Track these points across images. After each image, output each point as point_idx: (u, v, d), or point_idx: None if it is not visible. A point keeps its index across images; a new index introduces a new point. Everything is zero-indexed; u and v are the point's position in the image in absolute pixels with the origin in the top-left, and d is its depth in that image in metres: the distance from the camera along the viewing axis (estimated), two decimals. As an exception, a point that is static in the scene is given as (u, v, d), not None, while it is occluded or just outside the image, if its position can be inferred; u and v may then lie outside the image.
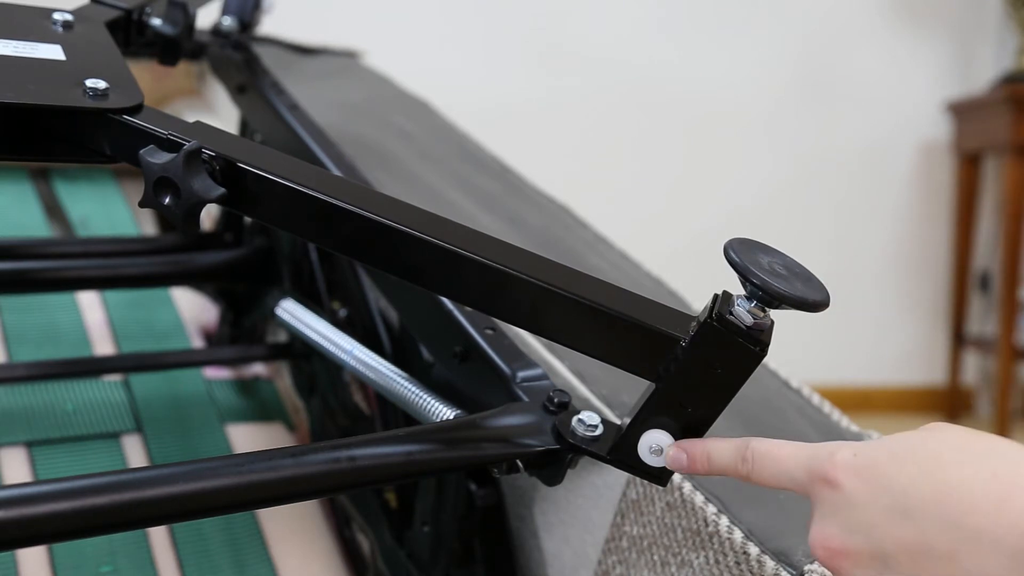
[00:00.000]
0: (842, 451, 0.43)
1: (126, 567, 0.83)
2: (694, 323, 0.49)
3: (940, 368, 2.71)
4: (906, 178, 2.68)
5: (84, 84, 0.56)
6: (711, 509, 0.59)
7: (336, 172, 0.81)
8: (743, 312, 0.47)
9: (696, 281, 1.00)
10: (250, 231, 1.03)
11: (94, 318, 1.07)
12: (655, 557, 0.63)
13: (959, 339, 2.66)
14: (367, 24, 2.15)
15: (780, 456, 0.46)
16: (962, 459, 0.41)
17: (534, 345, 0.76)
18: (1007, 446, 0.41)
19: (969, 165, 2.62)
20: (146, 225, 1.26)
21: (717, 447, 0.49)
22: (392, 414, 0.81)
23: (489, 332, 0.68)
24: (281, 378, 1.09)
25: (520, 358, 0.66)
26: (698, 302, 0.65)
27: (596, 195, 1.94)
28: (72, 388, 0.96)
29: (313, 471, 0.50)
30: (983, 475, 0.40)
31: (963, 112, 2.60)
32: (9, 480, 0.87)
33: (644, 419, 0.52)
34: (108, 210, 1.22)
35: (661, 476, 0.53)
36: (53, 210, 1.22)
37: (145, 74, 1.16)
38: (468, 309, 0.69)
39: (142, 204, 0.53)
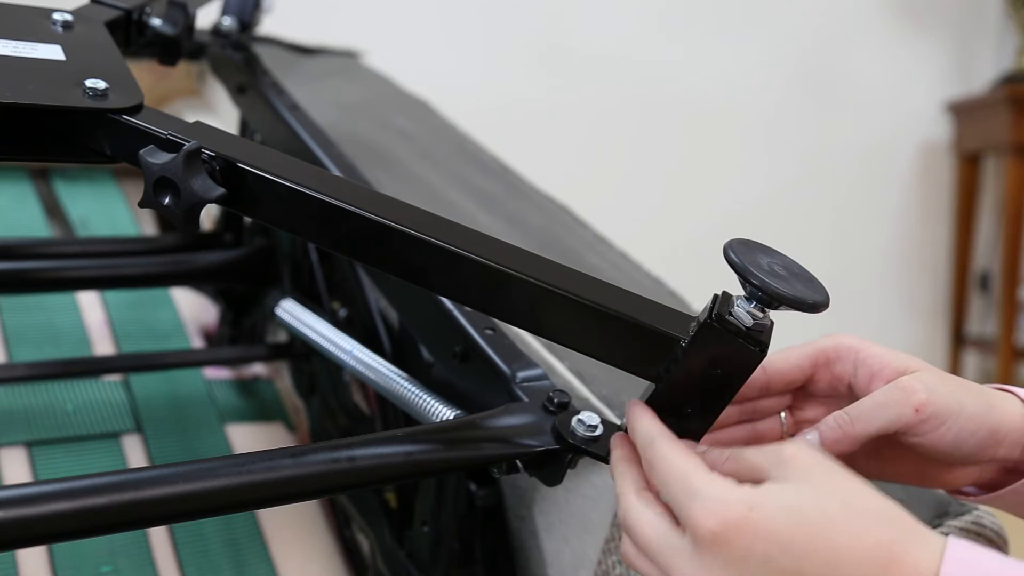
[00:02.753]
0: (731, 507, 0.42)
1: (126, 567, 0.83)
2: (694, 323, 0.49)
3: (940, 368, 2.71)
4: (906, 178, 2.68)
5: (84, 84, 0.56)
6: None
7: (336, 172, 0.81)
8: (743, 313, 0.47)
9: (696, 281, 1.00)
10: (250, 231, 1.03)
11: (94, 318, 1.07)
12: (655, 557, 0.63)
13: (959, 339, 2.66)
14: (367, 24, 2.15)
15: (667, 470, 0.46)
16: (851, 522, 0.41)
17: (534, 345, 0.76)
18: (882, 503, 0.42)
19: (969, 165, 2.62)
20: (146, 225, 1.26)
21: (642, 422, 0.49)
22: (392, 414, 0.81)
23: (489, 332, 0.68)
24: (281, 378, 1.09)
25: (520, 358, 0.66)
26: (698, 302, 0.65)
27: (596, 195, 1.93)
28: (72, 388, 0.96)
29: (313, 471, 0.50)
30: (869, 543, 0.41)
31: (963, 112, 2.60)
32: (9, 480, 0.87)
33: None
34: (108, 210, 1.22)
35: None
36: (53, 210, 1.22)
37: (145, 74, 1.16)
38: (468, 309, 0.69)
39: (142, 204, 0.52)
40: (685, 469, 0.45)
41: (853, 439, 0.51)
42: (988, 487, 0.55)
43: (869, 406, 0.51)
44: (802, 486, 0.43)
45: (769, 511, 0.42)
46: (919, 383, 0.51)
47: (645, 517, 0.46)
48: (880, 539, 0.41)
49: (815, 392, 0.56)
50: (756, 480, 0.44)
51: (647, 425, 0.49)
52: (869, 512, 0.42)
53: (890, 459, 0.55)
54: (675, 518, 0.45)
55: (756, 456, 0.45)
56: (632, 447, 0.50)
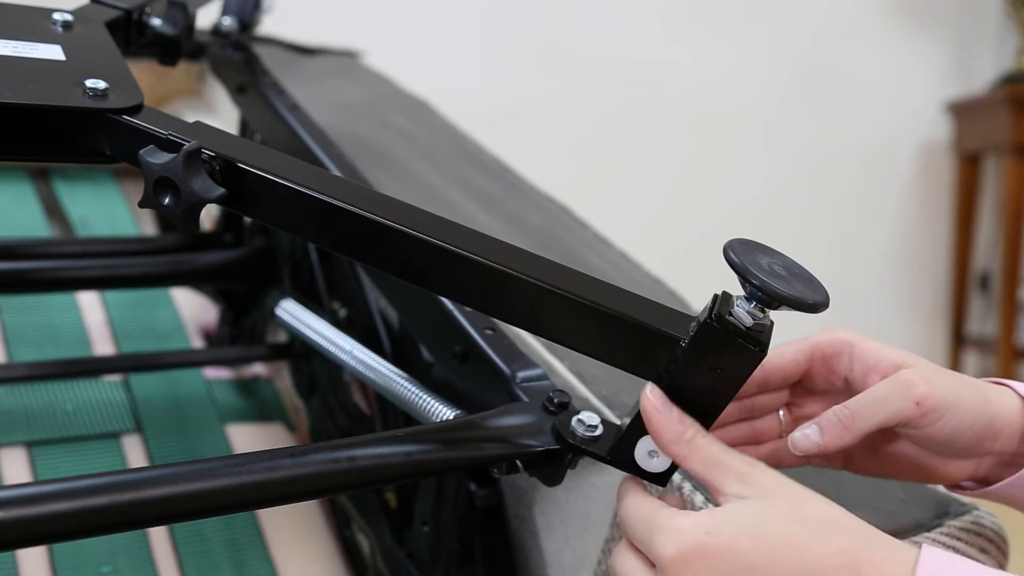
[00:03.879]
0: (687, 533, 0.44)
1: (126, 567, 0.83)
2: (694, 323, 0.49)
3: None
4: (906, 178, 2.68)
5: (84, 84, 0.56)
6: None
7: (336, 172, 0.81)
8: (743, 313, 0.47)
9: (696, 281, 1.00)
10: (250, 231, 1.03)
11: (94, 318, 1.07)
12: (655, 557, 0.63)
13: (959, 339, 2.66)
14: (367, 24, 2.15)
15: (630, 510, 0.48)
16: (810, 535, 0.43)
17: (534, 345, 0.76)
18: (839, 513, 0.44)
19: (969, 165, 2.62)
20: (146, 225, 1.26)
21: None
22: (392, 414, 0.81)
23: (489, 332, 0.68)
24: (281, 378, 1.09)
25: (520, 358, 0.66)
26: (698, 302, 0.65)
27: (596, 195, 1.93)
28: (72, 388, 0.96)
29: (313, 471, 0.50)
30: (831, 551, 0.42)
31: (963, 112, 2.60)
32: (9, 480, 0.87)
33: (644, 420, 0.52)
34: (108, 210, 1.22)
35: (661, 477, 0.53)
36: (53, 210, 1.22)
37: (145, 74, 1.16)
38: (468, 309, 0.69)
39: (142, 204, 0.52)
40: (647, 511, 0.47)
41: (854, 433, 0.52)
42: (984, 481, 0.55)
43: (870, 400, 0.51)
44: (758, 506, 0.44)
45: (726, 534, 0.43)
46: (919, 377, 0.51)
47: (626, 564, 0.48)
48: (842, 546, 0.42)
49: (812, 388, 0.56)
50: (704, 479, 0.47)
51: (621, 484, 0.51)
52: (828, 523, 0.43)
53: (887, 453, 0.55)
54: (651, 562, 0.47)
55: (714, 456, 0.47)
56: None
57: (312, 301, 0.91)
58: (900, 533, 0.62)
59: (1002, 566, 0.65)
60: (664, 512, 0.46)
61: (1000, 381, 0.55)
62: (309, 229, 0.54)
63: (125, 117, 0.55)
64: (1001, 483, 0.54)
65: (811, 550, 0.42)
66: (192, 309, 1.15)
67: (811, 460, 0.56)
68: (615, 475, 0.66)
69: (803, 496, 0.45)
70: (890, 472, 0.56)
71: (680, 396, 0.50)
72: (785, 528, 0.43)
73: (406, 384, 0.67)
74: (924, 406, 0.51)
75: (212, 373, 1.05)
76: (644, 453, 0.52)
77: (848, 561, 0.41)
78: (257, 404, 1.04)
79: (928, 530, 0.64)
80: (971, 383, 0.53)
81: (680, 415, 0.48)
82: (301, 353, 0.97)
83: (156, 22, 0.80)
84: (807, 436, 0.52)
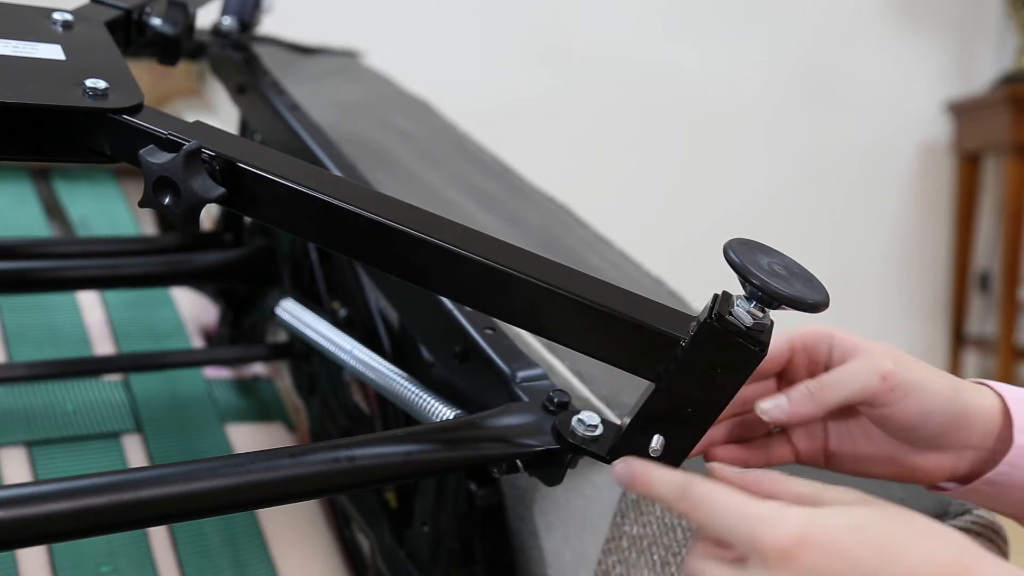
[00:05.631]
0: (793, 521, 0.43)
1: (126, 567, 0.83)
2: (694, 323, 0.49)
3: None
4: (906, 178, 2.68)
5: (84, 84, 0.56)
6: (711, 509, 0.59)
7: (336, 172, 0.81)
8: (743, 312, 0.47)
9: (696, 281, 1.00)
10: (250, 231, 1.03)
11: (94, 318, 1.07)
12: (655, 557, 0.63)
13: (959, 339, 2.66)
14: (367, 24, 2.15)
15: (720, 505, 0.45)
16: (918, 541, 0.42)
17: (534, 345, 0.76)
18: (941, 525, 0.43)
19: (969, 165, 2.62)
20: (146, 225, 1.26)
21: (658, 476, 0.49)
22: (392, 414, 0.81)
23: (489, 332, 0.68)
24: (281, 378, 1.09)
25: (520, 358, 0.66)
26: (698, 302, 0.65)
27: (596, 195, 1.93)
28: (72, 388, 0.96)
29: (313, 471, 0.50)
30: (942, 559, 0.41)
31: (963, 112, 2.60)
32: (9, 480, 0.87)
33: (644, 419, 0.52)
34: (108, 210, 1.22)
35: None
36: (53, 210, 1.22)
37: (145, 74, 1.16)
38: (468, 309, 0.69)
39: (142, 204, 0.53)
40: (734, 500, 0.45)
41: (821, 403, 0.53)
42: (964, 481, 0.56)
43: (838, 373, 0.53)
44: (861, 507, 0.44)
45: (832, 528, 0.42)
46: (886, 355, 0.53)
47: (708, 566, 0.46)
48: (954, 557, 0.41)
49: (794, 378, 0.57)
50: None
51: (669, 475, 0.48)
52: (934, 532, 0.42)
53: (865, 449, 0.56)
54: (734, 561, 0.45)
55: (802, 487, 0.46)
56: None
57: (312, 301, 0.91)
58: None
59: None
60: (766, 503, 0.44)
61: (981, 381, 0.56)
62: (309, 229, 0.54)
63: (125, 117, 0.55)
64: (977, 480, 0.54)
65: (921, 555, 0.41)
66: (192, 309, 1.15)
67: (797, 459, 0.57)
68: (615, 475, 0.66)
69: (904, 509, 0.44)
70: (870, 469, 0.57)
71: (680, 396, 0.50)
72: (893, 529, 0.42)
73: (406, 384, 0.67)
74: (890, 381, 0.52)
75: (212, 373, 1.05)
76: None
77: (961, 572, 0.41)
78: (257, 404, 1.04)
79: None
80: (945, 375, 0.54)
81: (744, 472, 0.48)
82: (301, 353, 0.97)
83: (156, 22, 0.80)
84: (777, 405, 0.53)
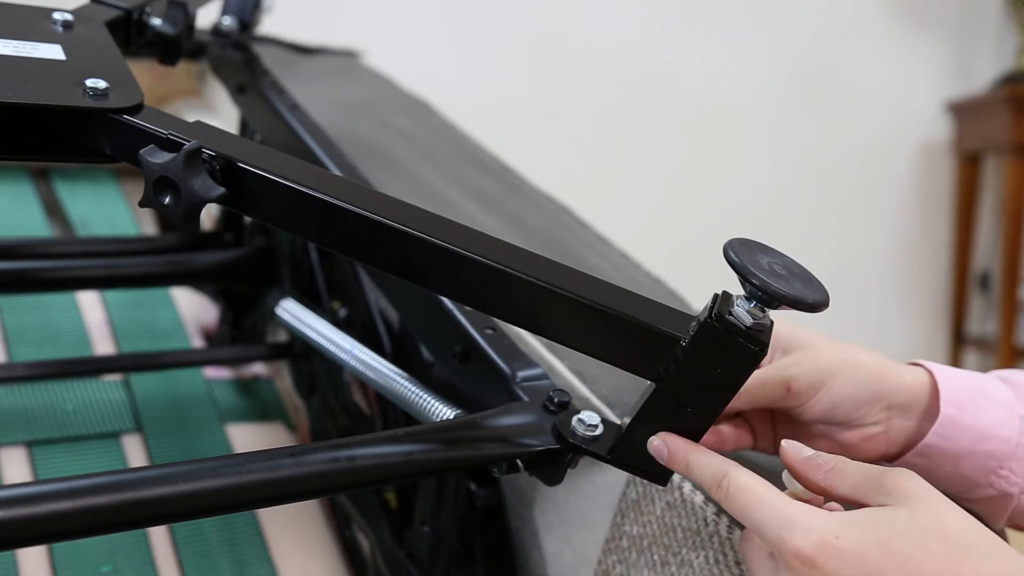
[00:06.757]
0: (821, 530, 0.43)
1: (126, 567, 0.83)
2: (694, 323, 0.49)
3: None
4: (906, 178, 2.68)
5: (84, 84, 0.56)
6: (711, 509, 0.59)
7: (336, 172, 0.81)
8: (743, 312, 0.47)
9: (696, 281, 1.00)
10: (250, 231, 1.03)
11: (94, 318, 1.07)
12: (655, 557, 0.63)
13: (959, 339, 2.66)
14: (367, 24, 2.15)
15: (754, 501, 0.47)
16: (947, 556, 0.42)
17: (534, 345, 0.76)
18: (982, 533, 0.43)
19: (969, 165, 2.62)
20: (146, 225, 1.26)
21: (699, 459, 0.50)
22: (392, 414, 0.81)
23: (489, 332, 0.68)
24: (281, 378, 1.09)
25: (520, 358, 0.66)
26: (698, 302, 0.65)
27: (596, 195, 1.93)
28: (72, 388, 0.96)
29: (313, 471, 0.50)
30: (966, 571, 0.41)
31: (963, 112, 2.60)
32: (9, 480, 0.87)
33: (644, 419, 0.52)
34: (108, 210, 1.22)
35: (661, 476, 0.53)
36: (53, 210, 1.22)
37: (145, 74, 1.16)
38: (468, 309, 0.69)
39: (142, 204, 0.52)
40: (769, 498, 0.46)
41: (733, 408, 0.57)
42: (898, 456, 0.58)
43: (751, 384, 0.56)
44: (897, 514, 0.44)
45: (856, 540, 0.43)
46: (796, 367, 0.57)
47: (749, 550, 0.49)
48: (980, 574, 0.41)
49: None
50: (855, 500, 0.46)
51: (709, 460, 0.50)
52: (969, 547, 0.42)
53: (806, 434, 0.59)
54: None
55: (857, 476, 0.47)
56: None
57: (312, 301, 0.91)
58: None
59: None
60: (797, 507, 0.45)
61: (917, 362, 0.59)
62: (309, 229, 0.54)
63: (125, 117, 0.55)
64: (910, 452, 0.57)
65: (947, 563, 0.41)
66: (192, 309, 1.15)
67: (753, 445, 0.61)
68: (615, 475, 0.66)
69: (946, 509, 0.44)
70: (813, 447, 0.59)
71: (680, 395, 0.50)
72: (921, 542, 0.42)
73: (406, 384, 0.67)
74: (793, 390, 0.57)
75: (212, 373, 1.05)
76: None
77: None
78: (257, 404, 1.04)
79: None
80: (863, 359, 0.58)
81: (812, 454, 0.49)
82: (301, 353, 0.97)
83: (156, 22, 0.80)
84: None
